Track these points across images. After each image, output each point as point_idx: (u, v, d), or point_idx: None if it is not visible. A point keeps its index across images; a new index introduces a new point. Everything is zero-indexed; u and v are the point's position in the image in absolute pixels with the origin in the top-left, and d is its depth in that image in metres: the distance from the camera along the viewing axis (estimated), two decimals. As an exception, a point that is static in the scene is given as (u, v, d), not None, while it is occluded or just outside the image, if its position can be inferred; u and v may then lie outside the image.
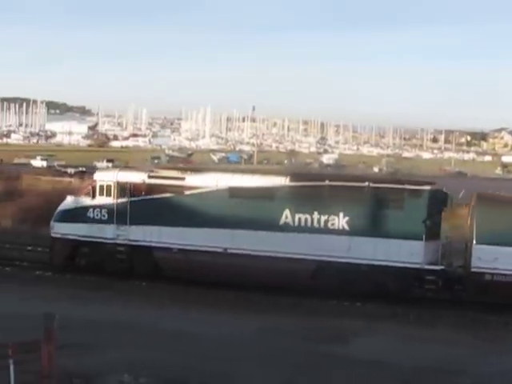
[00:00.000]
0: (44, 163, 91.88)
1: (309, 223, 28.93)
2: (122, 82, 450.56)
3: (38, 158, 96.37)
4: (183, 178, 31.12)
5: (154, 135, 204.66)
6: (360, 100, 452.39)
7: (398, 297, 27.84)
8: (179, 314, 25.54)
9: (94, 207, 31.00)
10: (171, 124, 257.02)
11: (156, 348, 20.57)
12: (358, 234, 28.36)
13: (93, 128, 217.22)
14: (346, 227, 28.56)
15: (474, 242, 27.49)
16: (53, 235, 31.69)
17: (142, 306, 26.14)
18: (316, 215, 28.80)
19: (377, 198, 28.80)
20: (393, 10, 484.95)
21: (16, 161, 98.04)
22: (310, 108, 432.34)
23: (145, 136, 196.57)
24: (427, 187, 29.14)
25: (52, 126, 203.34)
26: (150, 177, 31.35)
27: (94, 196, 31.19)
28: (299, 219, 28.98)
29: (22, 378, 16.81)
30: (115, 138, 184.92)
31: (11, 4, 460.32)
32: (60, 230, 31.50)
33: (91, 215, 31.00)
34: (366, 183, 29.38)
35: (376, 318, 26.01)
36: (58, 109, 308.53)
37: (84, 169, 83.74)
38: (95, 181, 31.80)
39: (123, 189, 30.73)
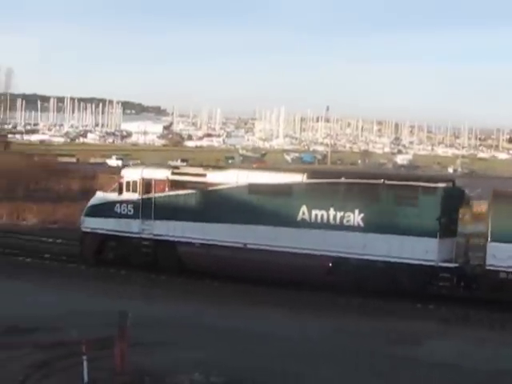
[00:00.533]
0: (119, 162, 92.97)
1: (325, 219, 29.38)
2: (196, 83, 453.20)
3: (114, 157, 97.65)
4: (205, 175, 31.96)
5: (228, 135, 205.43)
6: (434, 100, 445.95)
7: (441, 296, 27.99)
8: (245, 312, 25.61)
9: (121, 203, 32.16)
10: (245, 124, 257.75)
11: (225, 347, 20.68)
12: (373, 231, 28.68)
13: (167, 128, 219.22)
14: (361, 224, 28.90)
15: (489, 239, 27.48)
16: (83, 229, 33.12)
17: (208, 305, 26.29)
18: (332, 212, 29.21)
19: (391, 196, 29.09)
20: (461, 8, 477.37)
21: (92, 160, 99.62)
22: (384, 108, 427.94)
23: (219, 136, 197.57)
24: (441, 184, 29.24)
25: (127, 126, 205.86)
26: (173, 173, 32.38)
27: (120, 192, 32.39)
28: (316, 215, 29.44)
29: (95, 374, 17.07)
30: (189, 137, 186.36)
31: (82, 6, 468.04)
32: (89, 224, 32.86)
33: (118, 210, 32.17)
34: (381, 180, 29.82)
35: (448, 320, 25.75)
36: (133, 109, 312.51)
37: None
38: (122, 177, 33.01)
39: (148, 185, 31.82)
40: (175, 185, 31.79)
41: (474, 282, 28.30)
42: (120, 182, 32.93)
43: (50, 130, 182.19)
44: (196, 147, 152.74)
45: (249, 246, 30.06)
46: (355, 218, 28.95)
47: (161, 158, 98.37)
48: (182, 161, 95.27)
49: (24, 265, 31.76)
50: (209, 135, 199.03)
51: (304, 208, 29.54)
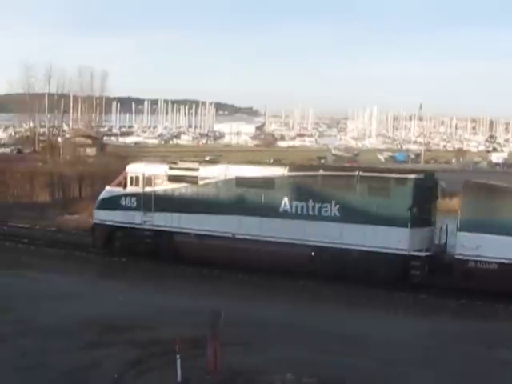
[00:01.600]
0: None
1: (305, 210, 30.65)
2: (288, 83, 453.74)
3: (207, 158, 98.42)
4: (197, 169, 33.83)
5: (321, 135, 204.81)
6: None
7: (389, 283, 28.71)
8: (338, 313, 25.47)
9: (126, 196, 34.47)
10: (337, 123, 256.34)
11: (317, 347, 20.56)
12: (349, 221, 29.68)
13: (260, 128, 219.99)
14: (338, 214, 30.03)
15: (458, 229, 28.21)
16: (94, 221, 35.63)
17: (299, 305, 26.16)
18: (311, 203, 30.55)
19: (366, 187, 30.08)
20: None
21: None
22: (479, 105, 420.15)
23: (311, 136, 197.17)
24: (412, 176, 30.02)
25: (220, 127, 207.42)
26: (170, 168, 34.47)
27: (125, 186, 34.69)
28: (296, 207, 30.80)
29: (188, 373, 17.25)
30: (282, 137, 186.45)
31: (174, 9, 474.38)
32: (99, 216, 35.40)
33: (123, 203, 34.48)
34: (356, 172, 30.86)
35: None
36: (226, 110, 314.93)
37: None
38: (126, 173, 35.12)
39: (149, 179, 34.04)
40: (172, 179, 33.89)
41: (445, 271, 28.84)
42: (125, 177, 35.07)
43: (144, 131, 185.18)
44: (288, 147, 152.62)
45: (237, 236, 31.63)
46: (332, 208, 30.14)
47: (253, 158, 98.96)
48: (275, 161, 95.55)
49: (120, 264, 32.33)
50: (301, 135, 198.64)
51: (286, 200, 31.01)
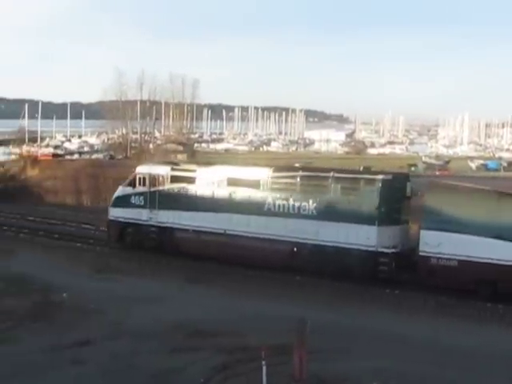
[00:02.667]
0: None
1: (286, 209, 32.79)
2: (378, 90, 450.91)
3: (297, 165, 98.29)
4: (195, 171, 36.84)
5: (411, 142, 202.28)
6: None
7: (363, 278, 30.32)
8: (430, 321, 25.02)
9: (135, 195, 37.28)
10: (428, 131, 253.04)
11: (406, 356, 20.28)
12: (324, 219, 31.63)
13: (350, 135, 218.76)
14: (315, 212, 31.99)
15: (422, 227, 29.71)
16: (109, 218, 38.32)
17: (386, 313, 26.02)
18: (291, 202, 32.66)
19: (339, 187, 32.05)
20: None
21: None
22: None
23: (401, 143, 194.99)
24: (380, 176, 31.91)
25: (310, 134, 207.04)
26: (172, 169, 37.36)
27: (134, 186, 37.47)
28: (279, 205, 32.98)
29: (274, 380, 17.23)
30: (372, 145, 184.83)
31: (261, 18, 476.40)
32: (113, 213, 38.19)
33: (133, 201, 37.27)
34: (331, 173, 32.81)
35: None
36: (316, 117, 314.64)
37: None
38: (136, 173, 37.95)
39: (154, 179, 36.89)
40: (174, 179, 36.65)
41: (410, 268, 30.08)
42: (134, 177, 37.94)
43: (234, 138, 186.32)
44: (378, 155, 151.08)
45: (228, 232, 33.95)
46: (309, 207, 32.15)
47: (343, 165, 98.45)
48: (365, 168, 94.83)
49: (206, 270, 32.55)
50: (391, 142, 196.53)
51: (270, 198, 33.27)
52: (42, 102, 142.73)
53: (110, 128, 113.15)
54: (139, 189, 37.22)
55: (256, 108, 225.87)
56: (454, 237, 28.59)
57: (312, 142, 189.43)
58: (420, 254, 29.61)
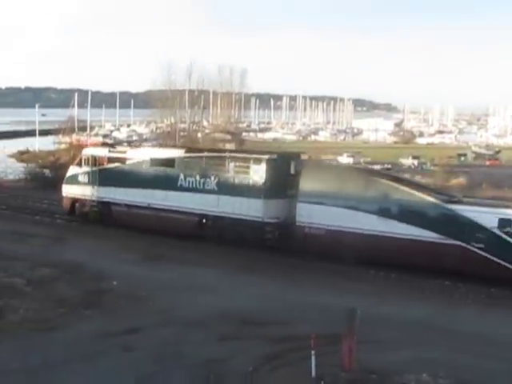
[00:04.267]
0: (350, 160, 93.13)
1: (194, 184, 36.89)
2: (427, 79, 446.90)
3: (345, 154, 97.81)
4: (125, 152, 42.17)
5: (460, 132, 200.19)
6: None
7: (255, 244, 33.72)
8: (480, 315, 24.85)
9: (81, 174, 42.08)
10: (478, 120, 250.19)
11: (456, 348, 20.18)
12: (223, 194, 35.67)
13: (398, 125, 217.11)
14: (216, 188, 36.10)
15: (298, 200, 33.56)
16: (63, 194, 43.37)
17: (439, 305, 25.76)
18: (198, 178, 36.79)
19: (233, 165, 35.95)
20: None
21: (323, 157, 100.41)
22: None
23: (451, 133, 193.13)
24: (266, 156, 35.93)
25: (358, 123, 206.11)
26: (109, 151, 42.58)
27: (81, 165, 42.39)
28: (189, 181, 37.07)
29: (323, 370, 17.26)
30: (421, 134, 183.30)
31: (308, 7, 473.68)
32: (66, 189, 43.13)
33: (80, 179, 42.11)
34: (227, 154, 38.76)
35: None
36: (364, 106, 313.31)
37: (389, 166, 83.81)
38: (82, 155, 43.13)
39: (95, 160, 41.68)
40: (110, 160, 41.47)
41: (289, 235, 33.67)
42: (81, 158, 43.05)
43: (282, 127, 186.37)
44: (427, 144, 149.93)
45: (151, 205, 38.29)
46: (212, 183, 36.29)
47: (392, 155, 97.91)
48: (414, 158, 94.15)
49: (255, 258, 32.62)
50: (440, 132, 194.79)
51: (182, 176, 37.38)
52: (92, 92, 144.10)
53: (158, 117, 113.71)
54: (84, 168, 42.04)
55: (304, 97, 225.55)
56: (321, 208, 32.73)
57: (360, 132, 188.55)
58: (296, 223, 33.54)
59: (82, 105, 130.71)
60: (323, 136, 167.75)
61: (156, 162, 39.24)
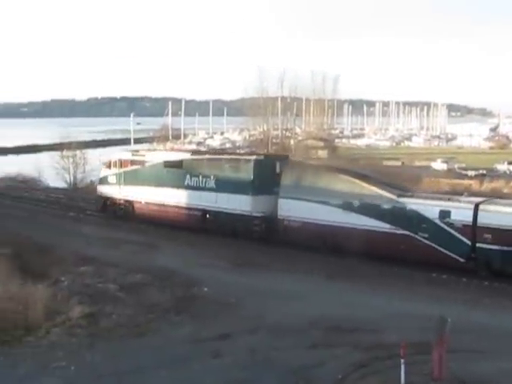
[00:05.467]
0: (444, 166, 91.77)
1: (198, 183, 41.17)
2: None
3: (439, 160, 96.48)
4: (144, 155, 47.24)
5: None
6: None
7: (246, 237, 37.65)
8: None
9: (111, 175, 47.03)
10: None
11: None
12: (220, 191, 39.81)
13: (494, 130, 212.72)
14: (214, 186, 40.20)
15: (279, 196, 37.52)
16: (97, 193, 48.83)
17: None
18: (201, 178, 41.06)
19: (228, 166, 40.63)
20: None
21: (417, 163, 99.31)
22: None
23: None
24: (253, 157, 41.21)
25: (453, 129, 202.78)
26: (132, 155, 47.80)
27: (110, 168, 47.57)
28: (193, 181, 41.39)
29: (412, 378, 17.02)
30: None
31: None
32: (99, 189, 48.43)
33: (109, 180, 47.08)
34: (224, 156, 45.81)
35: None
36: (458, 111, 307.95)
37: (484, 171, 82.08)
38: (111, 159, 48.38)
39: (121, 163, 46.76)
40: (133, 162, 46.34)
41: (274, 228, 37.49)
42: (110, 161, 48.34)
43: (375, 134, 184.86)
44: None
45: (164, 202, 42.76)
46: (211, 182, 40.43)
47: (487, 161, 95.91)
48: (509, 163, 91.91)
49: (346, 266, 32.39)
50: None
51: (188, 176, 41.68)
52: (186, 100, 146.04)
53: (251, 124, 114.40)
54: (113, 170, 47.05)
55: (397, 103, 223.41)
56: (297, 203, 36.46)
57: (454, 137, 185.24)
58: (278, 217, 37.31)
59: (175, 113, 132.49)
60: (416, 142, 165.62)
61: (168, 164, 43.61)
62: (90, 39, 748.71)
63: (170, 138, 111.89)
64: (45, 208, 51.34)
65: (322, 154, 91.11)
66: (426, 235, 32.01)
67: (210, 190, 40.41)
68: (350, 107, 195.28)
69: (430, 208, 32.27)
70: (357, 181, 35.51)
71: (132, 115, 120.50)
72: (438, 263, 31.09)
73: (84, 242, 36.36)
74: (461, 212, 31.31)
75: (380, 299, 26.16)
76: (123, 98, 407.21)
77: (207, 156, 45.26)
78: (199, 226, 40.33)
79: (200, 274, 29.57)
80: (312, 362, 19.26)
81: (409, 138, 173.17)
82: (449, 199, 33.36)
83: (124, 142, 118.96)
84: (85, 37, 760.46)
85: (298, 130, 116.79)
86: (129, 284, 27.77)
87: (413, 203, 32.97)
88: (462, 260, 31.07)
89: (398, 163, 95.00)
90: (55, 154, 75.76)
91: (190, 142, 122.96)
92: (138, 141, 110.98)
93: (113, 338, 21.76)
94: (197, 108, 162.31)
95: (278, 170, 38.52)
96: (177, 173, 42.56)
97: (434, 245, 31.77)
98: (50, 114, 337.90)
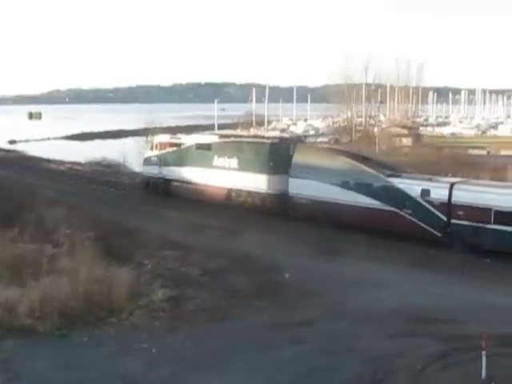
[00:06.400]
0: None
1: (224, 164, 45.08)
2: None
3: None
4: (180, 138, 51.41)
5: None
6: None
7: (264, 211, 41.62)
8: None
9: (153, 157, 51.36)
10: None
11: None
12: (241, 171, 43.87)
13: None
14: (237, 166, 44.27)
15: (290, 176, 40.94)
16: (142, 173, 53.97)
17: None
18: (227, 159, 44.89)
19: (248, 149, 44.84)
20: None
21: (503, 152, 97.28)
22: None
23: None
24: (268, 141, 46.07)
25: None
26: (170, 138, 52.02)
27: (153, 150, 52.06)
28: (221, 161, 45.26)
29: (494, 371, 16.81)
30: None
31: None
32: (143, 170, 53.34)
33: (152, 161, 51.24)
34: (245, 139, 50.81)
35: None
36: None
37: None
38: (154, 141, 53.55)
39: (162, 145, 51.09)
40: (171, 145, 50.55)
41: (286, 205, 41.12)
42: (152, 143, 53.25)
43: (460, 122, 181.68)
44: None
45: (195, 181, 46.72)
46: (235, 162, 44.39)
47: None
48: None
49: (429, 255, 32.01)
50: None
51: (216, 157, 45.68)
52: (270, 87, 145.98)
53: (334, 111, 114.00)
54: (155, 152, 51.30)
55: (484, 90, 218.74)
56: (305, 182, 39.88)
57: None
58: (289, 195, 40.88)
59: (259, 99, 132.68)
60: (503, 131, 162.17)
61: (199, 146, 47.70)
62: (175, 26, 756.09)
63: (254, 124, 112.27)
64: (130, 192, 52.23)
65: (406, 141, 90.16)
66: (410, 211, 35.00)
67: (234, 169, 44.40)
68: (435, 95, 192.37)
69: (413, 187, 35.28)
70: (354, 162, 38.87)
71: (216, 101, 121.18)
72: (418, 237, 33.75)
73: (167, 226, 36.94)
74: (438, 191, 34.37)
75: (465, 290, 25.73)
76: (207, 84, 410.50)
77: (232, 139, 49.28)
78: (225, 202, 44.34)
79: (281, 260, 29.69)
80: (392, 352, 19.19)
81: (495, 127, 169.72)
82: (429, 179, 36.22)
83: (208, 127, 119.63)
84: (169, 23, 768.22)
85: (381, 118, 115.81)
86: (211, 269, 28.03)
87: (399, 182, 36.02)
88: (438, 234, 33.86)
89: (484, 152, 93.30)
90: (140, 140, 76.98)
91: (274, 129, 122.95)
92: (221, 127, 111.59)
93: (194, 322, 22.05)
94: (281, 94, 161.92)
95: (291, 152, 41.87)
96: (206, 154, 46.45)
97: (415, 220, 34.75)
98: (135, 100, 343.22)
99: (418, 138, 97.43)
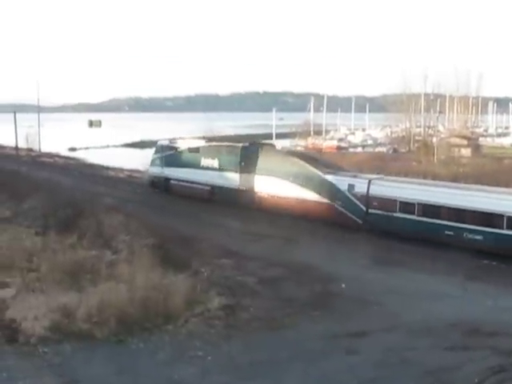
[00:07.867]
0: None
1: (209, 165, 51.15)
2: None
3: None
4: (177, 143, 56.63)
5: None
6: None
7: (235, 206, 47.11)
8: None
9: (157, 158, 57.05)
10: None
11: None
12: (220, 171, 50.03)
13: None
14: (216, 167, 50.45)
15: (255, 174, 47.41)
16: (148, 173, 58.95)
17: None
18: (210, 160, 51.04)
19: (226, 151, 50.91)
20: None
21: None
22: None
23: None
24: (240, 144, 50.82)
25: None
26: (170, 142, 57.33)
27: (157, 153, 57.57)
28: (206, 162, 51.39)
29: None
30: None
31: None
32: (150, 170, 58.40)
33: (156, 162, 57.06)
34: (224, 143, 54.68)
35: None
36: None
37: None
38: (157, 145, 59.15)
39: (163, 148, 57.02)
40: (171, 148, 55.94)
41: (253, 200, 47.30)
42: (157, 147, 58.19)
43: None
44: None
45: (187, 180, 52.73)
46: (215, 163, 50.61)
47: None
48: None
49: (488, 267, 31.58)
50: None
51: (203, 158, 51.77)
52: (327, 96, 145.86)
53: (393, 121, 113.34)
54: (158, 155, 57.12)
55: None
56: (266, 179, 46.34)
57: None
58: (255, 190, 47.19)
59: (317, 109, 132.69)
60: None
61: (191, 150, 53.73)
62: (233, 35, 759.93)
63: (312, 133, 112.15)
64: (189, 201, 52.65)
65: (465, 152, 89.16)
66: (340, 203, 41.11)
67: (215, 169, 50.57)
68: (495, 105, 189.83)
69: (342, 182, 41.34)
70: (302, 162, 44.95)
71: (274, 110, 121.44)
72: (346, 225, 39.88)
73: (224, 234, 37.12)
74: (360, 185, 40.44)
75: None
76: (266, 93, 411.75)
77: (214, 143, 55.04)
78: (209, 198, 50.23)
79: (338, 270, 29.60)
80: (448, 365, 18.99)
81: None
82: (355, 176, 42.42)
83: (266, 136, 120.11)
84: (228, 32, 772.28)
85: (440, 128, 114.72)
86: (267, 278, 28.07)
87: (333, 179, 41.99)
88: (360, 222, 39.86)
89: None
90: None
91: (332, 138, 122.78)
92: (279, 136, 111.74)
93: (250, 331, 22.08)
94: (339, 104, 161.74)
95: (259, 154, 48.07)
96: (196, 156, 52.60)
97: (344, 211, 40.88)
98: (193, 109, 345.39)
99: (477, 148, 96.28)
